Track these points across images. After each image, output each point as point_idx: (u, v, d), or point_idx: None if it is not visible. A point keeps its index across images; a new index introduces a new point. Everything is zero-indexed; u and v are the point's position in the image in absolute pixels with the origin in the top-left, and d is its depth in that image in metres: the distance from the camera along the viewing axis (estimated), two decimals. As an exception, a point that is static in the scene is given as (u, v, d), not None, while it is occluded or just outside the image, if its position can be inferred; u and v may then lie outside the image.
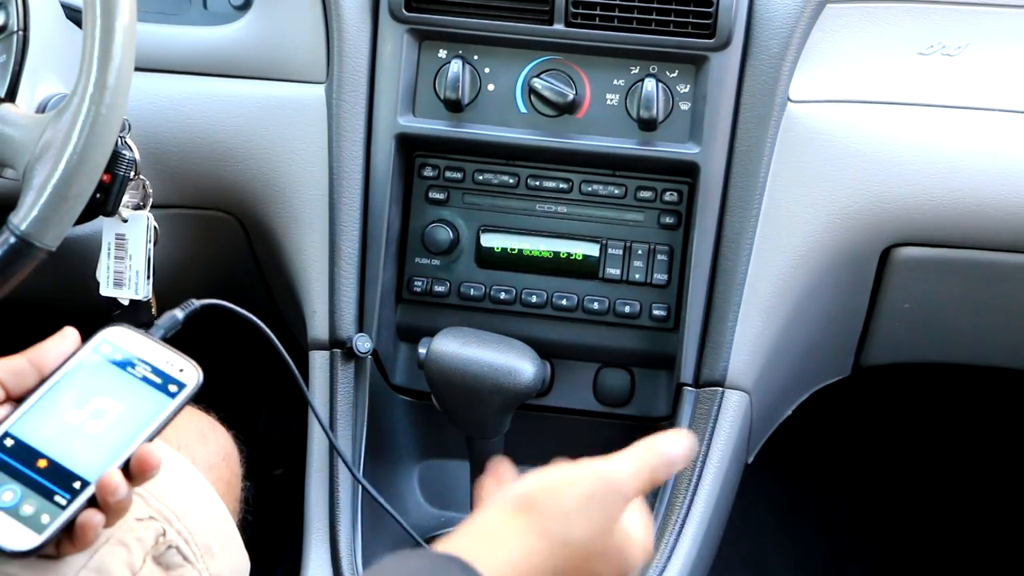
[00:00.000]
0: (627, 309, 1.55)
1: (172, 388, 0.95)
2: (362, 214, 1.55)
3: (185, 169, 1.57)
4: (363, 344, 1.52)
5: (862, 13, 1.52)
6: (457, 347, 1.39)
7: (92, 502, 0.92)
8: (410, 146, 1.56)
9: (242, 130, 1.56)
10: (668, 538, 1.44)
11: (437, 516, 1.61)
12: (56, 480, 0.92)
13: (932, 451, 2.26)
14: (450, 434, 1.50)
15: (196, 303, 1.05)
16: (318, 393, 1.53)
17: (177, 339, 1.11)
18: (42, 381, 0.95)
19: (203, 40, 1.58)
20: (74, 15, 1.42)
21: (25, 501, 0.91)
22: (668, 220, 1.55)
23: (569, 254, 1.56)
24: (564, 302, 1.56)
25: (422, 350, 1.43)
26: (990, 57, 1.51)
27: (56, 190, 1.18)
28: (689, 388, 1.52)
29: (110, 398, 0.95)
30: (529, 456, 1.61)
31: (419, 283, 1.58)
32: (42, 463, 0.93)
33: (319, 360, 1.54)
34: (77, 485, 0.92)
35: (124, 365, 0.96)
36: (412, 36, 1.53)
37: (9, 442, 0.94)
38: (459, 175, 1.57)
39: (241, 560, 1.19)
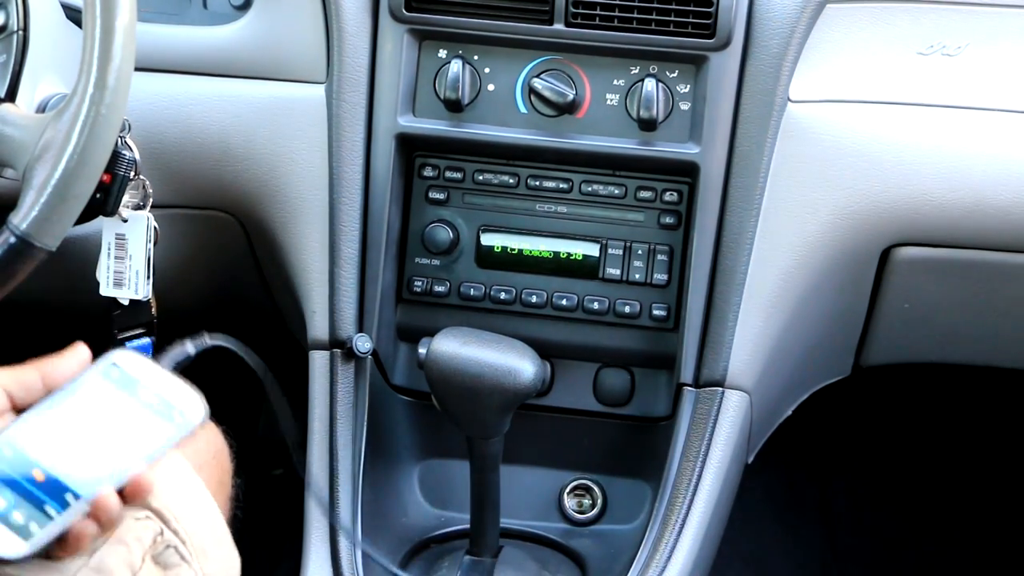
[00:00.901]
0: (627, 309, 1.55)
1: (176, 418, 0.96)
2: (362, 214, 1.54)
3: (185, 169, 1.57)
4: (363, 344, 1.52)
5: (862, 13, 1.52)
6: (457, 347, 1.39)
7: (86, 514, 0.93)
8: (410, 146, 1.56)
9: (242, 130, 1.56)
10: (668, 538, 1.45)
11: (437, 516, 1.61)
12: (49, 492, 0.92)
13: (932, 451, 2.26)
14: (450, 434, 1.50)
15: (208, 340, 1.06)
16: (318, 393, 1.53)
17: (177, 339, 1.10)
18: (48, 395, 0.96)
19: (203, 40, 1.58)
20: (74, 15, 1.42)
21: (16, 509, 0.92)
22: (668, 220, 1.55)
23: (569, 254, 1.56)
24: (564, 302, 1.56)
25: (422, 350, 1.43)
26: (990, 57, 1.51)
27: (56, 190, 1.18)
28: (689, 388, 1.52)
29: (113, 418, 0.95)
30: (529, 456, 1.62)
31: (419, 283, 1.58)
32: (38, 474, 0.93)
33: (319, 360, 1.54)
34: (69, 498, 0.92)
35: (131, 389, 0.96)
36: (412, 36, 1.53)
37: (7, 451, 0.94)
38: (459, 175, 1.57)
39: (233, 561, 1.19)
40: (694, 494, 1.47)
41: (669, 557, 1.44)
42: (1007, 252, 1.55)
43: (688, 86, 1.51)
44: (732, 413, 1.51)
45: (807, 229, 1.51)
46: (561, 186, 1.56)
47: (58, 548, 0.93)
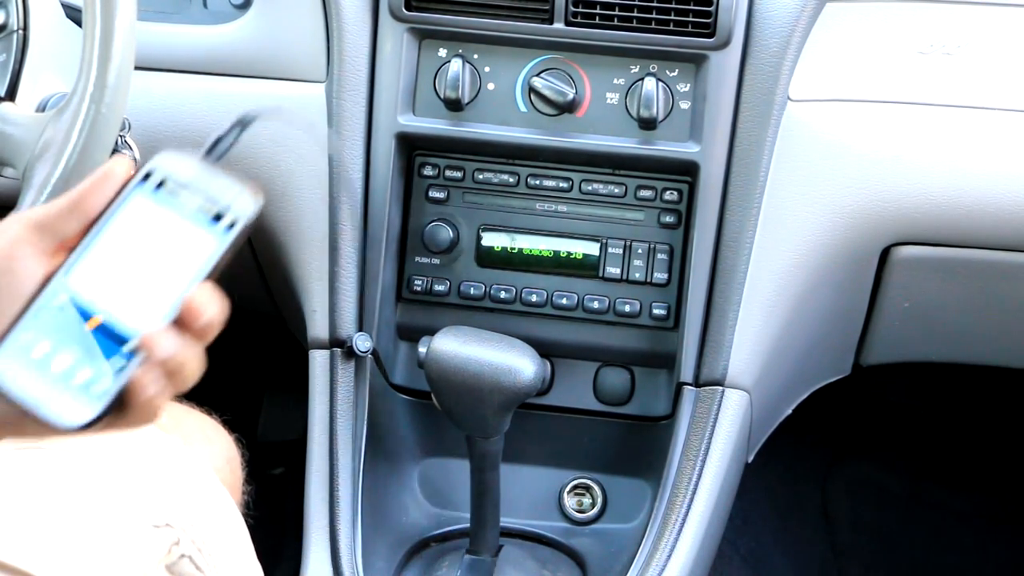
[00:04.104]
0: (627, 308, 1.55)
1: (226, 220, 0.84)
2: (362, 213, 1.55)
3: (185, 168, 1.57)
4: (363, 343, 1.52)
5: (862, 12, 1.52)
6: (457, 346, 1.39)
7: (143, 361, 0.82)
8: (410, 145, 1.56)
9: (242, 129, 1.56)
10: (668, 537, 1.45)
11: (437, 515, 1.61)
12: (109, 341, 0.81)
13: (932, 450, 2.26)
14: (450, 433, 1.50)
15: (250, 115, 0.90)
16: (318, 392, 1.53)
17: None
18: (90, 226, 0.84)
19: (203, 39, 1.58)
20: (74, 15, 1.42)
21: (79, 368, 0.81)
22: (668, 219, 1.55)
23: (569, 253, 1.56)
24: (564, 301, 1.56)
25: (422, 349, 1.43)
26: (990, 55, 1.51)
27: (56, 189, 1.18)
28: (689, 387, 1.52)
29: (161, 238, 0.84)
30: (530, 455, 1.62)
31: (419, 282, 1.58)
32: (94, 322, 0.82)
33: (319, 359, 1.54)
34: (128, 346, 0.81)
35: (175, 198, 0.84)
36: (412, 35, 1.53)
37: (61, 299, 0.82)
38: (459, 174, 1.57)
39: (253, 572, 1.18)
40: (694, 493, 1.47)
41: (669, 556, 1.44)
42: (1007, 251, 1.55)
43: (688, 85, 1.51)
44: (732, 412, 1.51)
45: (807, 228, 1.51)
46: (561, 185, 1.56)
47: (128, 413, 0.81)
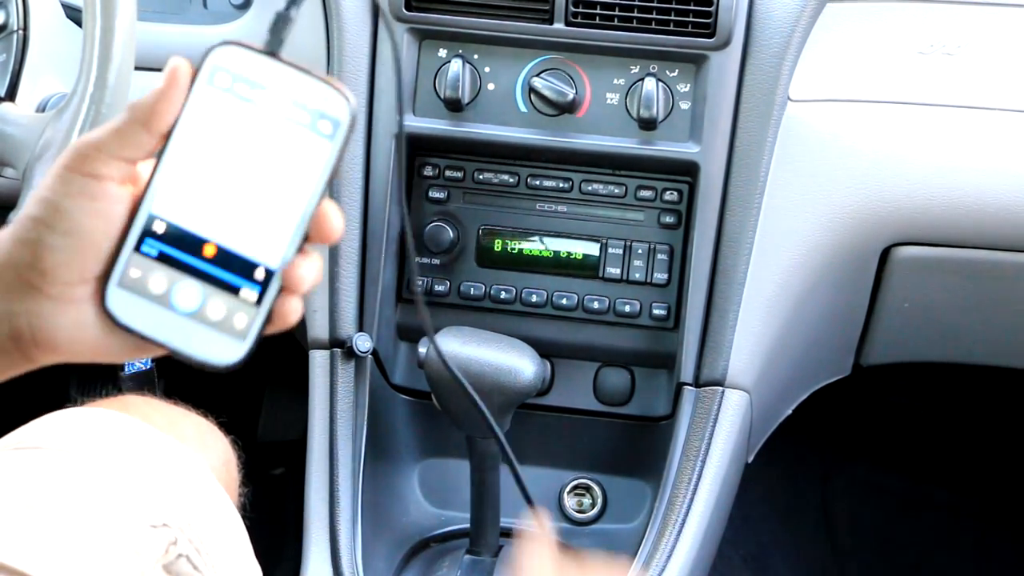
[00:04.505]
0: (627, 308, 1.55)
1: (323, 125, 0.73)
2: (362, 214, 1.54)
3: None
4: (363, 343, 1.52)
5: (862, 12, 1.52)
6: (457, 346, 1.39)
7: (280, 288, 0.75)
8: (410, 145, 1.56)
9: (242, 129, 1.56)
10: (668, 537, 1.44)
11: (437, 515, 1.61)
12: (233, 270, 0.73)
13: (932, 450, 2.26)
14: (450, 433, 1.50)
15: None
16: (318, 392, 1.53)
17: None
18: (164, 142, 0.73)
19: (203, 39, 1.58)
20: (74, 15, 1.42)
21: (210, 301, 0.73)
22: (668, 219, 1.55)
23: (569, 253, 1.56)
24: (564, 301, 1.56)
25: (422, 349, 1.43)
26: (990, 56, 1.51)
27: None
28: (689, 387, 1.52)
29: (254, 149, 0.73)
30: (530, 455, 1.62)
31: (419, 282, 1.58)
32: (209, 250, 0.73)
33: (319, 359, 1.54)
34: (259, 274, 0.73)
35: (255, 101, 0.72)
36: (412, 35, 1.53)
37: (160, 226, 0.73)
38: (459, 174, 1.57)
39: (252, 572, 1.18)
40: (694, 494, 1.47)
41: (669, 557, 1.44)
42: (1007, 251, 1.55)
43: (688, 85, 1.51)
44: (732, 412, 1.51)
45: (807, 228, 1.51)
46: (561, 185, 1.56)
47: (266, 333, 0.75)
